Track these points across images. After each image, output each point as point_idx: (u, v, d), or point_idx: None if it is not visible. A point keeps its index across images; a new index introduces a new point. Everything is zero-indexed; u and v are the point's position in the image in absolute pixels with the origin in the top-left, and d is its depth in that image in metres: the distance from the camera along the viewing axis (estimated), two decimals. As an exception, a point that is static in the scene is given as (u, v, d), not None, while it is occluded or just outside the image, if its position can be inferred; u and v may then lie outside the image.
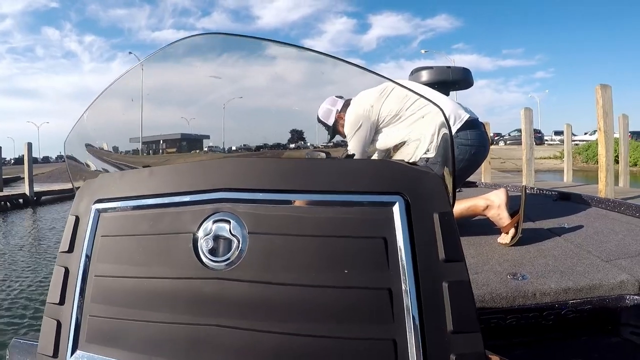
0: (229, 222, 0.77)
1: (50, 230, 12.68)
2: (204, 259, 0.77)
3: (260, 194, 0.78)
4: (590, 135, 35.88)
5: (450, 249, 0.71)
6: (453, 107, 2.70)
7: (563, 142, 16.10)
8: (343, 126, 2.62)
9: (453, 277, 0.70)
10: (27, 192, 19.47)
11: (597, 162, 7.69)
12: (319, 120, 2.45)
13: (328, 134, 2.58)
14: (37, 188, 20.44)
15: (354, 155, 1.13)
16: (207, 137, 1.33)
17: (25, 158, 19.80)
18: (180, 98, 1.23)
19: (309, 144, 1.38)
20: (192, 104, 1.20)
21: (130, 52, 42.71)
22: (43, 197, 20.66)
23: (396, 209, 0.72)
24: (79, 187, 0.97)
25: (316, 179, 0.78)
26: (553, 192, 4.28)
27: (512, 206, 2.38)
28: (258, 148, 1.25)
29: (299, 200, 0.77)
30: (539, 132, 47.73)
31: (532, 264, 1.91)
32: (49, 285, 0.90)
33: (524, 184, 9.71)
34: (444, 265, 0.70)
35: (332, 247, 0.73)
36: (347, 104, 2.84)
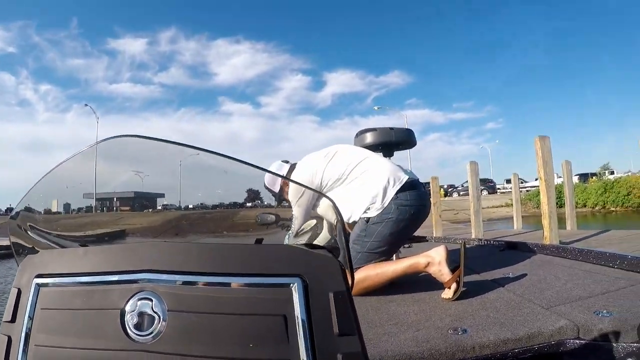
0: (151, 300, 0.85)
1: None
2: (130, 333, 0.85)
3: (178, 276, 0.87)
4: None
5: (344, 324, 0.77)
6: (393, 170, 2.82)
7: (513, 190, 16.63)
8: (288, 193, 2.66)
9: (347, 349, 0.76)
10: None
11: (541, 208, 7.93)
12: (265, 187, 2.48)
13: (275, 199, 2.60)
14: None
15: (272, 223, 1.14)
16: (162, 195, 1.36)
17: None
18: (133, 156, 1.23)
19: (266, 203, 1.41)
20: (146, 161, 1.20)
21: (86, 104, 41.95)
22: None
23: (294, 289, 0.80)
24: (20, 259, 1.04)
25: (227, 262, 0.87)
26: (500, 242, 4.38)
27: (455, 260, 2.44)
28: (214, 207, 1.27)
29: (211, 281, 0.85)
30: (491, 181, 49.16)
31: (473, 317, 1.95)
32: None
33: (473, 236, 9.90)
34: (338, 339, 0.77)
35: (240, 324, 0.81)
36: (292, 169, 2.90)
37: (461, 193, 43.90)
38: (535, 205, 28.48)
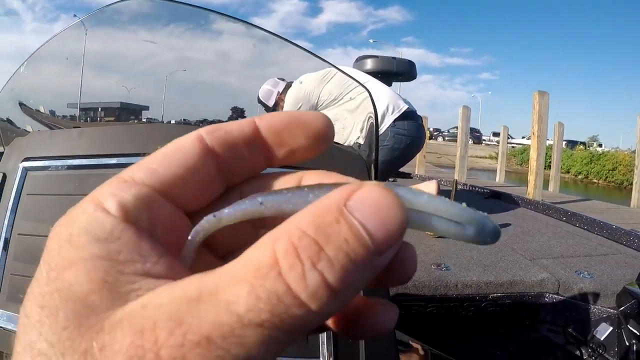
0: None
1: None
2: None
3: None
4: (528, 139, 37.22)
5: None
6: (393, 97, 2.78)
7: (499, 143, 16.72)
8: (283, 108, 2.62)
9: None
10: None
11: (529, 163, 7.99)
12: (259, 101, 2.43)
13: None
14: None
15: None
16: (147, 108, 1.31)
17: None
18: (121, 65, 1.19)
19: None
20: (134, 72, 1.17)
21: (75, 15, 40.60)
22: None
23: None
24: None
25: None
26: (485, 190, 4.43)
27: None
28: (197, 123, 1.24)
29: None
30: (478, 131, 49.29)
31: (457, 256, 1.99)
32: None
33: (456, 178, 10.00)
34: None
35: None
36: (288, 86, 2.85)
37: (446, 138, 43.90)
38: (519, 162, 28.85)
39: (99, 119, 1.33)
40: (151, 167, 0.23)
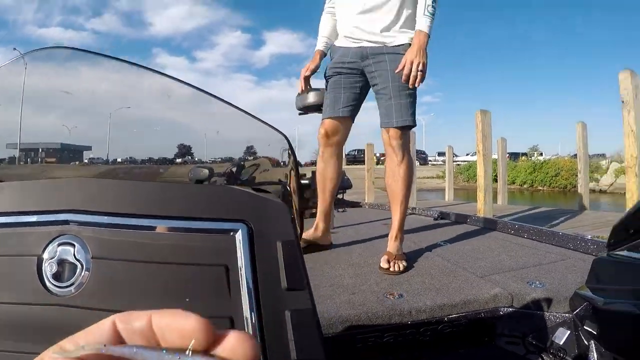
0: (73, 245, 0.75)
1: None
2: (48, 284, 0.74)
3: (106, 218, 0.76)
4: (472, 156, 38.32)
5: (293, 278, 0.72)
6: None
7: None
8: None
9: (296, 305, 0.71)
10: None
11: (477, 181, 8.23)
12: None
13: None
14: None
15: (205, 179, 1.10)
16: (89, 148, 1.29)
17: None
18: (62, 103, 1.17)
19: (196, 159, 1.37)
20: (75, 110, 1.15)
21: (15, 49, 39.22)
22: None
23: (239, 237, 0.73)
24: None
25: (163, 204, 0.78)
26: (434, 212, 4.54)
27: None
28: (143, 162, 1.22)
29: (144, 224, 0.76)
30: (424, 153, 50.63)
31: (409, 282, 2.02)
32: None
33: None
34: (286, 294, 0.72)
35: (175, 274, 0.73)
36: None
37: (394, 162, 44.56)
38: (466, 179, 29.58)
39: (40, 160, 1.27)
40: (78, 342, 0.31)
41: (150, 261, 0.73)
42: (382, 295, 1.85)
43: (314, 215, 5.02)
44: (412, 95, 2.54)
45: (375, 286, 1.99)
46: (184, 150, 1.22)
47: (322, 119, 2.77)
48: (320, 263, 2.43)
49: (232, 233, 0.73)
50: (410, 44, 2.49)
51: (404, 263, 2.29)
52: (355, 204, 6.17)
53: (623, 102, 4.73)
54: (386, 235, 2.62)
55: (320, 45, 2.96)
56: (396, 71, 2.45)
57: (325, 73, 2.82)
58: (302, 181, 5.79)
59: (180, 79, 0.94)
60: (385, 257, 2.32)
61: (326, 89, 2.80)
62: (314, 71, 2.94)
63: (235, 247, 0.72)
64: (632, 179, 4.69)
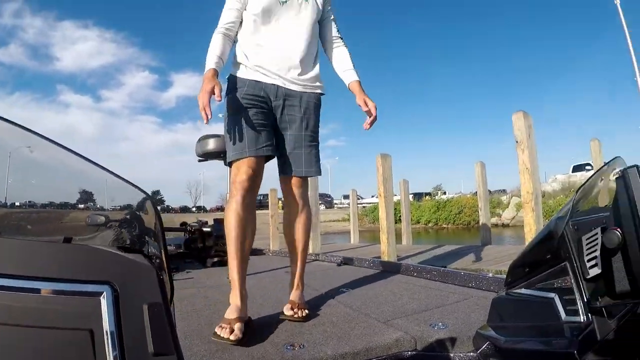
0: None
1: None
2: None
3: None
4: (377, 198, 39.44)
5: (161, 342, 0.70)
6: None
7: (350, 205, 17.49)
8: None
9: None
10: None
11: (380, 223, 8.38)
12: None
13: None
14: None
15: (102, 225, 1.04)
16: None
17: None
18: None
19: (98, 205, 1.31)
20: None
21: None
22: None
23: (103, 299, 0.69)
24: None
25: (22, 263, 0.70)
26: (338, 258, 4.54)
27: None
28: (43, 205, 1.14)
29: (4, 285, 0.68)
30: (329, 196, 51.46)
31: (310, 332, 1.96)
32: None
33: (310, 250, 10.11)
34: (153, 359, 0.69)
35: (37, 339, 0.66)
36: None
37: (300, 207, 45.01)
38: (371, 220, 30.14)
39: None
40: None
41: (9, 324, 0.66)
42: (282, 346, 1.78)
43: (215, 265, 4.91)
44: (318, 146, 2.51)
45: (275, 337, 1.91)
46: (86, 196, 1.17)
47: (239, 159, 2.33)
48: (217, 316, 2.27)
49: (97, 295, 0.69)
50: (320, 94, 2.50)
51: (307, 311, 2.23)
52: (258, 252, 6.09)
53: (517, 141, 4.98)
54: (288, 284, 2.54)
55: (213, 64, 2.33)
56: (367, 119, 2.50)
57: (228, 103, 2.43)
58: (204, 229, 5.73)
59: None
60: (288, 306, 2.26)
61: (232, 122, 2.38)
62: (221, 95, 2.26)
63: (101, 310, 0.68)
64: (530, 214, 4.91)
